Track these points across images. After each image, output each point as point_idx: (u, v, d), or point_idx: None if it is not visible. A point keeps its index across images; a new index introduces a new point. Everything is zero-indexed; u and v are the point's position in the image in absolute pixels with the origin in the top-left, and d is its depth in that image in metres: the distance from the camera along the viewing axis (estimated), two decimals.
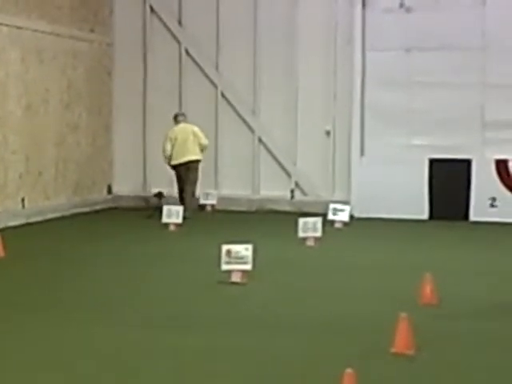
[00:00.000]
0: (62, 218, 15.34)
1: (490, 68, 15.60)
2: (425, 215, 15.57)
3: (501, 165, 15.53)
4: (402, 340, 6.74)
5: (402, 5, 15.90)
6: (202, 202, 16.67)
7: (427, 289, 8.54)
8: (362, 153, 16.20)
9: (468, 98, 15.58)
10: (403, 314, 6.77)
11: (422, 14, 15.79)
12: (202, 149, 15.35)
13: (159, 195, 15.82)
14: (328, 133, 16.59)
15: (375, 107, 15.97)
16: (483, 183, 15.33)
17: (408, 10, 15.87)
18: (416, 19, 15.79)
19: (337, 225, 14.35)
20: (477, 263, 11.18)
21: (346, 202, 15.21)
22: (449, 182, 15.54)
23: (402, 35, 15.83)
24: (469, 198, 15.45)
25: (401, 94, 15.83)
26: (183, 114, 15.81)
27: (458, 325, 7.83)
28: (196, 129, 15.35)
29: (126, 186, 17.53)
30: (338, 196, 16.14)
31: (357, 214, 15.40)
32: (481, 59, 15.61)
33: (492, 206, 15.42)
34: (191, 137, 15.22)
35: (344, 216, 14.46)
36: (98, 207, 16.81)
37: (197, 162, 15.28)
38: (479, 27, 15.55)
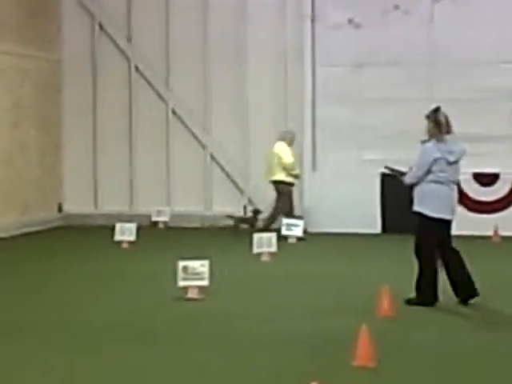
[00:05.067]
0: (12, 237, 15.10)
1: (437, 83, 15.80)
2: (377, 229, 15.67)
3: None
4: (363, 353, 6.74)
5: (350, 21, 16.05)
6: (154, 219, 16.57)
7: (385, 301, 8.58)
8: (314, 168, 16.27)
9: (417, 112, 15.56)
10: (364, 327, 6.78)
11: (370, 30, 15.94)
12: (284, 168, 14.92)
13: (256, 212, 15.60)
14: None
15: (326, 122, 16.06)
16: None
17: (357, 26, 16.02)
18: (365, 35, 15.94)
19: (290, 240, 14.37)
20: None
21: (299, 218, 15.23)
22: (400, 195, 15.63)
23: (352, 51, 15.96)
24: None
25: (351, 110, 15.93)
26: (284, 132, 15.48)
27: (416, 336, 7.87)
28: (276, 148, 15.00)
29: (76, 204, 17.34)
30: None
31: (310, 229, 15.42)
32: (428, 74, 15.80)
33: None
34: (273, 157, 14.96)
35: (298, 231, 14.50)
36: (48, 226, 16.59)
37: (276, 182, 14.98)
38: (427, 43, 15.77)
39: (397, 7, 15.86)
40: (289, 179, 15.03)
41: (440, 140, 8.97)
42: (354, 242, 14.68)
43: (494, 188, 15.68)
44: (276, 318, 8.65)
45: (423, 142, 9.13)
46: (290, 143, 15.23)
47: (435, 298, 9.10)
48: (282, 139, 15.22)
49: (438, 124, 8.98)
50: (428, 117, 9.09)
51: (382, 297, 8.59)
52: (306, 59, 16.25)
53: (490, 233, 14.88)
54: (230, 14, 16.82)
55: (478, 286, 9.14)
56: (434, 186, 9.02)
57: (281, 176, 14.99)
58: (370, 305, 8.73)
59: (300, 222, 14.64)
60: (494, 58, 15.52)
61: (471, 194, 15.72)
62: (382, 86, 15.78)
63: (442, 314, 8.80)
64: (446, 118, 9.04)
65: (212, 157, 17.01)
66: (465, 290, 9.09)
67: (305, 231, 14.76)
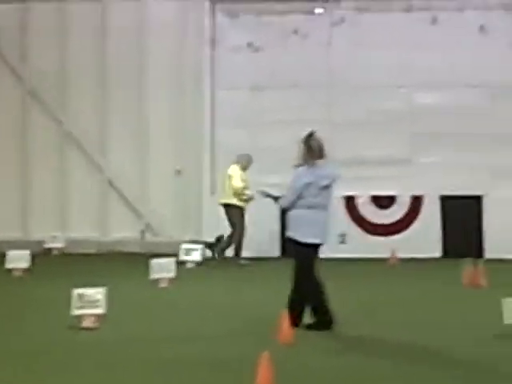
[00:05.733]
0: None
1: (336, 105, 15.93)
2: (277, 253, 15.60)
3: (349, 201, 15.80)
4: (263, 379, 6.57)
5: (250, 44, 16.05)
6: (48, 245, 16.11)
7: (284, 327, 8.45)
8: (213, 191, 16.12)
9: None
10: (265, 353, 6.62)
11: (269, 54, 15.99)
12: (234, 192, 14.66)
13: (219, 239, 15.15)
14: (178, 172, 16.43)
15: (225, 145, 15.96)
16: (333, 219, 15.43)
17: (256, 49, 16.04)
18: (264, 58, 15.98)
19: (189, 265, 14.16)
20: (330, 298, 11.18)
21: (198, 242, 15.03)
22: None
23: (251, 74, 15.97)
24: None
25: (251, 132, 15.90)
26: (239, 155, 15.05)
27: (316, 361, 7.75)
28: (229, 171, 14.77)
29: None
30: (189, 236, 15.95)
31: (209, 254, 15.23)
32: (327, 97, 15.92)
33: (342, 242, 15.63)
34: (227, 179, 14.71)
35: (196, 256, 14.30)
36: None
37: (227, 205, 14.70)
38: (325, 66, 15.90)
39: (296, 31, 15.95)
40: (240, 203, 14.75)
41: (312, 165, 8.96)
42: (253, 266, 14.55)
43: (392, 211, 15.84)
44: (173, 345, 8.40)
45: (296, 166, 9.09)
46: (244, 167, 14.96)
47: (330, 320, 9.01)
48: (236, 162, 14.98)
49: (310, 149, 8.98)
50: (302, 141, 9.07)
51: (281, 322, 8.46)
52: (206, 82, 16.18)
53: (388, 255, 14.99)
54: (129, 35, 16.63)
55: (372, 308, 9.11)
56: (305, 211, 8.95)
57: (231, 199, 14.75)
58: (270, 330, 8.59)
59: (198, 247, 14.44)
60: (392, 81, 15.76)
61: (369, 217, 15.84)
62: (282, 108, 15.83)
63: (340, 340, 8.72)
64: (320, 142, 9.03)
65: (109, 181, 16.68)
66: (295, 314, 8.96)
67: (203, 256, 14.56)
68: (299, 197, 8.94)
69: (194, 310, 10.40)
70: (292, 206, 9.02)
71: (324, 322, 9.01)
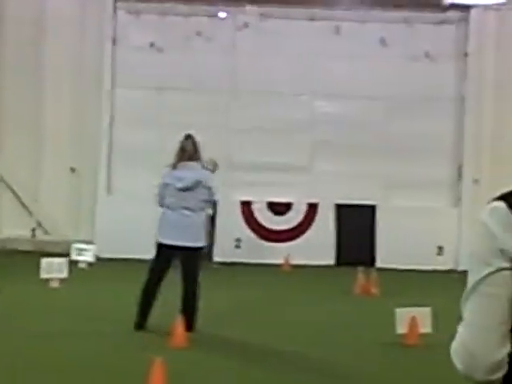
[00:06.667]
0: None
1: (237, 111, 15.91)
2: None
3: (245, 207, 15.81)
4: None
5: (152, 44, 15.86)
6: None
7: (179, 331, 8.36)
8: (109, 191, 15.86)
9: (215, 139, 15.63)
10: (158, 359, 6.51)
11: (172, 55, 15.83)
12: None
13: None
14: (73, 170, 16.10)
15: (124, 145, 15.73)
16: (229, 224, 15.48)
17: (159, 49, 15.86)
18: (167, 59, 15.81)
19: (81, 265, 13.89)
20: (224, 303, 11.16)
21: (90, 242, 14.76)
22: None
23: (153, 74, 15.78)
24: (213, 240, 15.50)
25: (150, 133, 15.70)
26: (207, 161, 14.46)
27: (211, 366, 7.69)
28: None
29: None
30: (82, 235, 15.64)
31: (102, 254, 14.96)
32: (229, 101, 15.89)
33: (237, 247, 15.62)
34: None
35: (88, 256, 14.04)
36: None
37: None
38: (228, 70, 15.86)
39: (199, 33, 15.86)
40: None
41: (176, 166, 9.00)
42: (145, 268, 14.34)
43: (287, 217, 15.92)
44: (61, 346, 8.20)
45: (167, 166, 9.18)
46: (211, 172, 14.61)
47: (140, 324, 8.93)
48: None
49: (182, 150, 9.06)
50: (178, 142, 9.13)
51: (176, 326, 8.36)
52: (106, 80, 15.89)
53: (282, 261, 15.04)
54: (27, 29, 16.16)
55: (260, 315, 9.06)
56: (164, 211, 9.10)
57: None
58: (164, 334, 8.48)
59: (91, 247, 14.17)
60: (294, 89, 15.83)
61: (264, 223, 15.88)
62: (183, 110, 15.69)
63: (237, 344, 8.69)
64: (196, 145, 9.07)
65: (1, 178, 16.19)
66: (185, 319, 8.86)
67: (96, 256, 14.29)
68: (163, 197, 8.98)
69: (84, 311, 10.18)
70: (160, 205, 9.12)
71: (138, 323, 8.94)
